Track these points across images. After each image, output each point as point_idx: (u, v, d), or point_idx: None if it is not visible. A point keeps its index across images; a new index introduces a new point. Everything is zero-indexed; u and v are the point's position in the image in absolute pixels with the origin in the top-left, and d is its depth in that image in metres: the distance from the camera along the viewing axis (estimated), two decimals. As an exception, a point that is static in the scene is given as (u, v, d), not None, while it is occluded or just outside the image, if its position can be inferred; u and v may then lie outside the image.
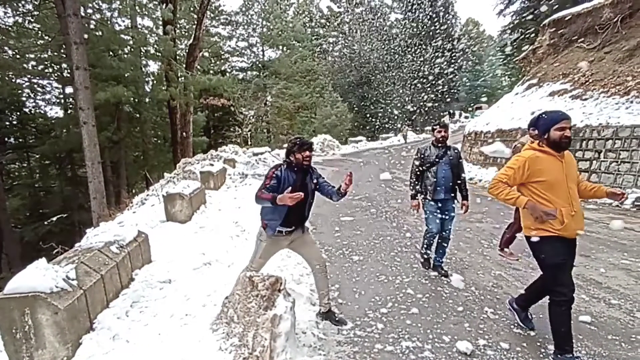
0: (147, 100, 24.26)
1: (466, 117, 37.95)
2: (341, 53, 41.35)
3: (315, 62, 38.58)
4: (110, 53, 20.81)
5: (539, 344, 2.88)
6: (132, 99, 21.70)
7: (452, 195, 4.11)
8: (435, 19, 37.25)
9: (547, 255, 2.61)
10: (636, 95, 8.23)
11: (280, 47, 37.89)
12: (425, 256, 4.42)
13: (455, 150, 4.18)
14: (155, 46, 21.16)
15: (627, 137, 7.61)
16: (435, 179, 4.04)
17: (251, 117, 36.31)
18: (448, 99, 40.90)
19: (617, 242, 4.95)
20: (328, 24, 42.74)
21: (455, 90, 42.87)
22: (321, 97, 36.52)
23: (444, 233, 4.15)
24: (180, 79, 20.14)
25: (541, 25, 14.42)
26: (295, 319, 2.82)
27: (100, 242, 3.63)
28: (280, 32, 36.55)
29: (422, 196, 4.18)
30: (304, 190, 2.97)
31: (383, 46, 38.76)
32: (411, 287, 4.00)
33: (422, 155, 4.17)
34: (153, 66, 26.08)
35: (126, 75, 21.02)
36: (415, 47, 37.26)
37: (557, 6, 17.83)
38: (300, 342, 2.93)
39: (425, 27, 36.76)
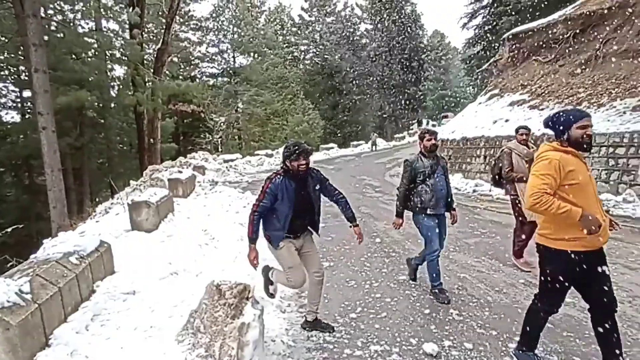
0: (112, 105, 23.46)
1: (434, 125, 39.12)
2: (312, 61, 41.78)
3: (287, 70, 38.72)
4: (73, 56, 20.01)
5: (500, 342, 2.99)
6: (96, 103, 20.96)
7: (446, 207, 3.88)
8: (403, 30, 38.40)
9: (555, 271, 2.37)
10: (587, 106, 8.81)
11: (252, 54, 37.78)
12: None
13: (444, 159, 3.95)
14: (121, 50, 20.54)
15: (580, 145, 8.10)
16: (433, 192, 3.69)
17: (222, 124, 35.84)
18: (416, 108, 42.08)
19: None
20: (299, 32, 43.11)
21: (423, 99, 44.17)
22: (293, 104, 36.64)
23: (441, 246, 3.88)
24: (147, 84, 19.62)
25: (501, 39, 15.19)
26: (264, 327, 2.80)
27: (59, 253, 3.46)
28: (251, 39, 36.47)
29: (416, 212, 3.80)
30: (305, 198, 2.94)
31: (353, 55, 39.47)
32: (380, 291, 4.06)
33: (413, 168, 3.75)
34: (119, 70, 25.30)
35: (90, 79, 20.26)
36: (384, 57, 38.25)
37: (516, 20, 18.84)
38: (269, 350, 2.90)
39: (393, 38, 37.79)
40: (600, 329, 2.39)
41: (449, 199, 3.88)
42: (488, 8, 25.00)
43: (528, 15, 17.86)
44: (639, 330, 3.10)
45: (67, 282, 3.19)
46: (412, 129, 37.88)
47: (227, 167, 18.50)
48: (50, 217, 11.59)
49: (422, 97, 43.13)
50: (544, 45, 12.30)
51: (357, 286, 4.23)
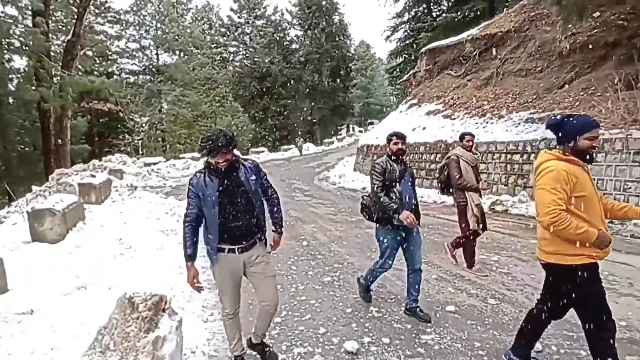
0: (10, 100, 20.71)
1: (361, 131, 40.84)
2: (242, 63, 41.00)
3: (215, 71, 37.58)
4: (-41, 43, 17.33)
5: (414, 335, 3.22)
6: (-12, 98, 18.32)
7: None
8: (332, 39, 39.52)
9: (591, 285, 2.14)
10: (490, 117, 9.90)
11: (177, 52, 35.99)
12: (367, 288, 3.86)
13: (411, 167, 3.65)
14: (22, 39, 18.25)
15: (484, 151, 9.08)
16: (401, 200, 3.33)
17: (143, 125, 33.58)
18: (345, 114, 43.49)
19: (478, 241, 5.82)
20: (229, 33, 42.07)
21: (351, 106, 45.82)
22: (222, 106, 35.66)
23: (416, 265, 3.45)
24: (54, 78, 17.66)
25: (419, 52, 16.44)
26: (182, 339, 2.68)
27: None
28: (176, 37, 34.76)
29: (381, 223, 3.45)
30: (237, 193, 2.50)
31: (284, 60, 39.62)
32: (305, 294, 4.13)
33: (384, 171, 3.37)
34: (19, 62, 22.39)
35: (-20, 70, 17.69)
36: (314, 63, 39.03)
37: (433, 37, 20.49)
38: (188, 362, 2.80)
39: (322, 45, 38.72)
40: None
41: (416, 209, 3.48)
42: (408, 23, 26.92)
43: (444, 32, 19.57)
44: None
45: (-57, 305, 2.75)
46: (340, 135, 39.15)
47: (148, 170, 17.40)
48: None
49: (350, 104, 44.67)
50: (455, 61, 13.61)
51: (282, 290, 4.24)
